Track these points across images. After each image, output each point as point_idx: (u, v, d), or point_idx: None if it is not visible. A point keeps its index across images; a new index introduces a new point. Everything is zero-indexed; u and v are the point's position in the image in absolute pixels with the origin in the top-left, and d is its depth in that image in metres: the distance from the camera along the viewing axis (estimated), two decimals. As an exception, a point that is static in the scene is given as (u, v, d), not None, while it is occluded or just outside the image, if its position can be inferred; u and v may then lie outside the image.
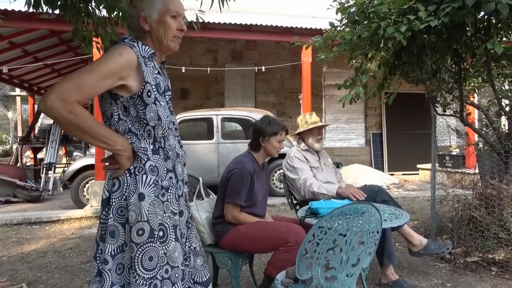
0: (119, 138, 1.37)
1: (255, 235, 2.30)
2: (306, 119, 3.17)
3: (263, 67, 6.72)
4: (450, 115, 3.86)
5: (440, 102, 3.92)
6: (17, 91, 15.55)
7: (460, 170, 7.17)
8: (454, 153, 7.42)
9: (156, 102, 1.40)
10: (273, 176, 6.48)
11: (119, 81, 1.34)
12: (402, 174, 9.08)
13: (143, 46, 1.43)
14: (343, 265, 1.67)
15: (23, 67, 8.41)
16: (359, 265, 1.73)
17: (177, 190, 1.48)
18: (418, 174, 8.75)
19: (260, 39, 6.63)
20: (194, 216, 2.51)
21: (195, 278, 1.59)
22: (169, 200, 1.43)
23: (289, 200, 3.17)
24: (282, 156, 3.19)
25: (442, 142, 10.10)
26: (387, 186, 7.24)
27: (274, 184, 6.45)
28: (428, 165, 8.43)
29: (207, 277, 1.61)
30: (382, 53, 3.29)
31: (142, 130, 1.41)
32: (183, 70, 6.36)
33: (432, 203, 3.79)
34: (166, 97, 1.50)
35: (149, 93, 1.38)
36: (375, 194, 2.78)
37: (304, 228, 2.29)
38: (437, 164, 8.14)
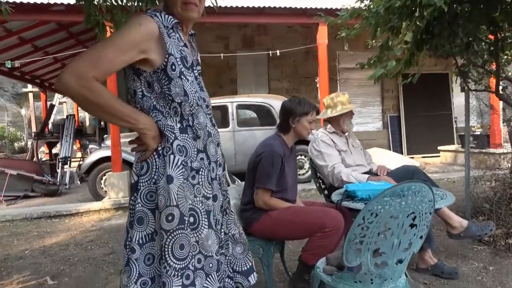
0: (141, 116, 1.26)
1: (288, 221, 2.17)
2: (333, 100, 3.00)
3: (277, 51, 6.52)
4: (484, 90, 3.63)
5: (472, 77, 3.69)
6: (29, 87, 15.60)
7: (484, 150, 6.92)
8: (477, 132, 7.16)
9: (182, 77, 1.28)
10: (291, 162, 6.33)
11: (141, 54, 1.23)
12: (422, 157, 8.85)
13: (166, 16, 1.30)
14: (394, 249, 1.53)
15: (34, 61, 8.36)
16: (411, 250, 1.59)
17: (210, 172, 1.36)
18: (439, 156, 8.51)
19: (273, 22, 6.42)
20: (221, 203, 2.39)
21: (235, 267, 1.47)
22: (201, 183, 1.32)
23: (317, 185, 3.03)
24: (302, 142, 3.02)
25: (462, 122, 9.82)
26: (408, 170, 7.03)
27: (292, 170, 6.30)
28: (450, 147, 8.20)
29: (249, 266, 1.49)
30: (416, 23, 3.07)
31: (167, 107, 1.30)
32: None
33: (467, 182, 3.61)
34: (195, 71, 1.37)
35: (173, 67, 1.26)
36: (411, 175, 2.61)
37: (340, 212, 2.16)
38: (459, 145, 7.90)
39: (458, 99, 9.71)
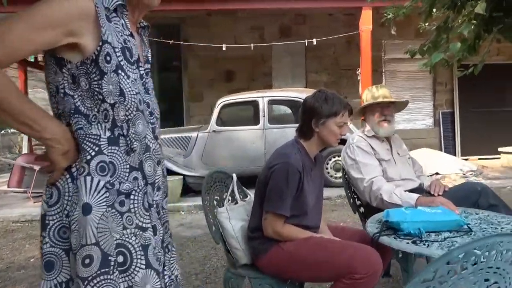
0: (51, 123, 0.96)
1: (306, 258, 1.63)
2: (373, 93, 2.40)
3: (314, 40, 5.91)
4: None
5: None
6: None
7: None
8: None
9: (120, 72, 1.00)
10: (327, 164, 5.72)
11: (67, 37, 0.94)
12: (479, 159, 7.84)
13: None
14: None
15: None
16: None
17: (146, 197, 1.07)
18: (499, 158, 7.47)
19: (311, 7, 5.79)
20: (224, 226, 1.90)
21: None
22: (133, 210, 1.03)
23: (351, 201, 2.45)
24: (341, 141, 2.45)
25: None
26: (463, 174, 6.17)
27: (328, 173, 5.69)
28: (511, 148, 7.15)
29: None
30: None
31: (95, 109, 1.00)
32: (224, 48, 5.75)
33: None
34: (141, 69, 1.10)
35: (108, 58, 0.99)
36: (477, 196, 1.97)
37: (378, 251, 1.58)
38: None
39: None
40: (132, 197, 1.03)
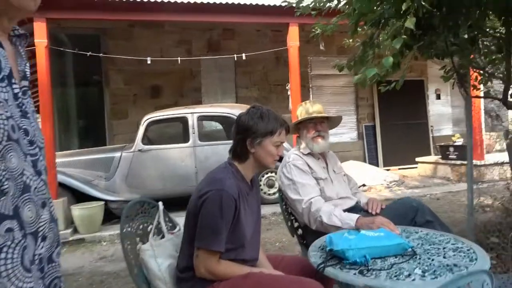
0: None
1: (245, 299, 1.43)
2: (307, 108, 2.31)
3: (243, 55, 5.82)
4: (490, 97, 3.04)
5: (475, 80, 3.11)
6: None
7: (466, 162, 6.45)
8: (458, 143, 6.71)
9: None
10: (260, 180, 5.61)
11: None
12: (399, 169, 8.36)
13: None
14: None
15: None
16: None
17: (25, 251, 0.84)
18: (416, 167, 8.04)
19: (239, 21, 5.71)
20: (149, 266, 1.62)
21: None
22: (6, 272, 0.80)
23: (288, 223, 2.30)
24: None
25: (438, 131, 9.45)
26: (388, 184, 6.48)
27: (261, 190, 5.58)
28: (428, 158, 7.75)
29: None
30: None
31: None
32: (149, 62, 5.40)
33: (469, 210, 2.94)
34: (15, 87, 0.88)
35: None
36: (414, 213, 1.94)
37: (323, 282, 1.44)
38: (438, 157, 7.45)
39: (433, 107, 9.37)
40: (3, 255, 0.79)
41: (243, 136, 1.59)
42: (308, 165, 2.19)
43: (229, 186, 1.49)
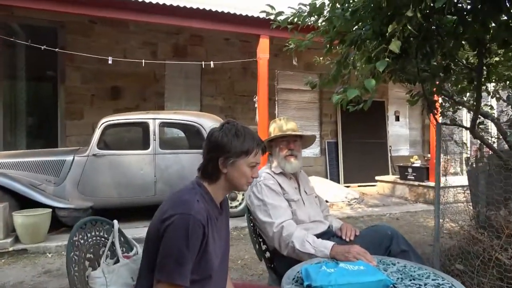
0: None
1: None
2: (280, 126, 2.20)
3: (211, 62, 5.66)
4: (458, 125, 3.08)
5: (441, 108, 3.16)
6: None
7: (424, 183, 6.67)
8: (416, 164, 6.93)
9: None
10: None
11: None
12: (359, 186, 8.50)
13: None
14: None
15: None
16: None
17: None
18: (375, 185, 8.21)
19: (209, 28, 5.55)
20: (99, 297, 1.40)
21: None
22: None
23: (256, 246, 2.15)
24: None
25: (396, 152, 9.74)
26: (348, 202, 6.53)
27: (223, 202, 5.39)
28: (386, 177, 7.93)
29: None
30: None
31: None
32: (110, 61, 5.09)
33: (436, 236, 2.93)
34: None
35: None
36: (389, 241, 1.87)
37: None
38: (397, 176, 7.66)
39: (392, 127, 9.68)
40: None
41: (215, 154, 1.43)
42: (280, 185, 2.07)
43: (197, 210, 1.32)
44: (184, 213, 1.30)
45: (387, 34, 1.95)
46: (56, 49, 5.26)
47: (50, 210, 4.47)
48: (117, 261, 1.59)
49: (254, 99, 6.21)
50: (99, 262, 1.57)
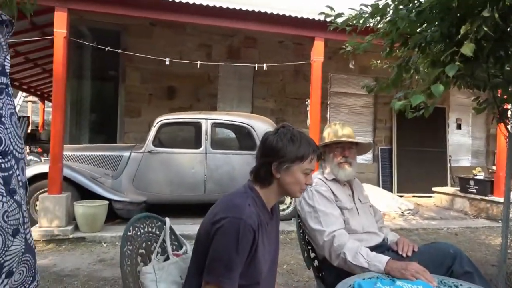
0: None
1: None
2: (336, 130, 2.12)
3: (264, 65, 5.64)
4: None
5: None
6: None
7: (487, 198, 6.17)
8: (479, 177, 6.42)
9: None
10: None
11: None
12: (413, 196, 8.07)
13: None
14: None
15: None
16: None
17: None
18: (431, 197, 7.74)
19: (263, 30, 5.55)
20: (149, 293, 1.43)
21: None
22: None
23: (305, 254, 2.09)
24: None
25: (456, 162, 9.13)
26: (402, 213, 6.21)
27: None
28: (446, 189, 7.45)
29: None
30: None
31: None
32: (167, 62, 5.27)
33: (503, 256, 2.66)
34: None
35: None
36: (451, 261, 1.72)
37: None
38: (456, 188, 7.16)
39: (453, 136, 9.09)
40: None
41: (269, 158, 1.40)
42: (333, 192, 1.99)
43: (248, 214, 1.29)
44: (235, 217, 1.28)
45: (457, 36, 1.80)
46: (119, 50, 5.54)
47: (107, 202, 4.72)
48: (167, 258, 1.62)
49: (306, 102, 6.11)
50: (150, 258, 1.60)
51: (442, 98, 8.72)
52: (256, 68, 5.82)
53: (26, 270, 0.75)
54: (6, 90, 0.72)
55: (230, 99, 7.88)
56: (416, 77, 3.43)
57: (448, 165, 8.59)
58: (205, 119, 5.34)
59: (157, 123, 5.21)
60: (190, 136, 5.82)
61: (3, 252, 0.68)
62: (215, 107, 7.64)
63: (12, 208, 0.69)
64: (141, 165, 5.14)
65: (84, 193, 4.84)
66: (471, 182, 6.46)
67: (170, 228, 1.75)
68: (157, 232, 1.72)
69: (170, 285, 1.51)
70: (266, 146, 1.41)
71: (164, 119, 5.25)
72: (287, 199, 5.42)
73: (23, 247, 0.72)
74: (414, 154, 8.39)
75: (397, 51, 2.92)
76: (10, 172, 0.69)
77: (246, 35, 7.65)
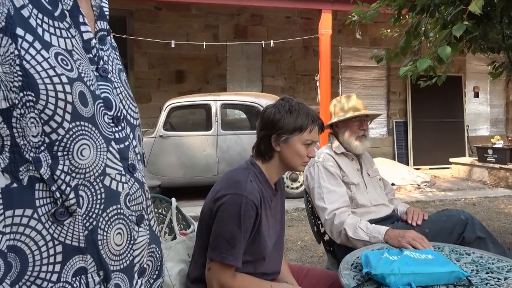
0: None
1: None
2: (342, 104, 2.06)
3: (271, 42, 5.56)
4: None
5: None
6: None
7: (506, 166, 6.01)
8: (498, 145, 6.25)
9: (18, 32, 0.48)
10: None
11: None
12: (430, 169, 7.94)
13: None
14: None
15: None
16: None
17: None
18: (449, 168, 7.59)
19: (269, 6, 5.43)
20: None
21: None
22: None
23: (314, 229, 2.08)
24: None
25: (474, 132, 8.91)
26: (418, 185, 6.12)
27: (284, 183, 5.36)
28: (463, 159, 7.30)
29: None
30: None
31: None
32: (173, 45, 5.23)
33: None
34: (83, 31, 0.57)
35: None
36: (462, 227, 1.67)
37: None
38: (474, 158, 7.00)
39: (470, 105, 8.83)
40: None
41: (268, 131, 1.37)
42: (340, 167, 1.95)
43: (250, 190, 1.28)
44: (236, 194, 1.27)
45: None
46: (124, 36, 5.52)
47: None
48: (175, 238, 1.63)
49: (316, 78, 6.00)
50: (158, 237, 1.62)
51: (458, 66, 8.44)
52: (263, 46, 5.72)
53: (152, 264, 0.64)
54: (109, 38, 0.61)
55: (239, 80, 7.81)
56: (428, 44, 3.31)
57: (466, 135, 8.38)
58: (214, 100, 5.31)
59: (166, 107, 5.22)
60: (201, 119, 5.82)
61: (130, 246, 0.56)
62: (224, 88, 7.59)
63: (134, 190, 0.57)
64: (153, 150, 5.18)
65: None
66: (490, 151, 6.29)
67: (178, 208, 1.76)
68: (164, 213, 1.72)
69: (178, 264, 1.51)
70: (264, 119, 1.38)
71: (173, 103, 5.25)
72: (300, 177, 5.40)
73: (148, 236, 0.61)
74: (430, 125, 8.20)
75: (406, 16, 2.81)
76: (126, 143, 0.57)
77: (252, 13, 7.50)
